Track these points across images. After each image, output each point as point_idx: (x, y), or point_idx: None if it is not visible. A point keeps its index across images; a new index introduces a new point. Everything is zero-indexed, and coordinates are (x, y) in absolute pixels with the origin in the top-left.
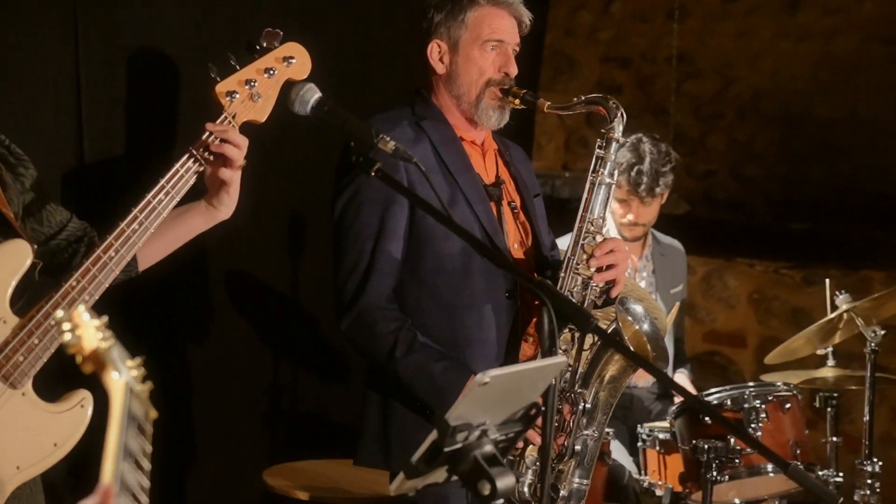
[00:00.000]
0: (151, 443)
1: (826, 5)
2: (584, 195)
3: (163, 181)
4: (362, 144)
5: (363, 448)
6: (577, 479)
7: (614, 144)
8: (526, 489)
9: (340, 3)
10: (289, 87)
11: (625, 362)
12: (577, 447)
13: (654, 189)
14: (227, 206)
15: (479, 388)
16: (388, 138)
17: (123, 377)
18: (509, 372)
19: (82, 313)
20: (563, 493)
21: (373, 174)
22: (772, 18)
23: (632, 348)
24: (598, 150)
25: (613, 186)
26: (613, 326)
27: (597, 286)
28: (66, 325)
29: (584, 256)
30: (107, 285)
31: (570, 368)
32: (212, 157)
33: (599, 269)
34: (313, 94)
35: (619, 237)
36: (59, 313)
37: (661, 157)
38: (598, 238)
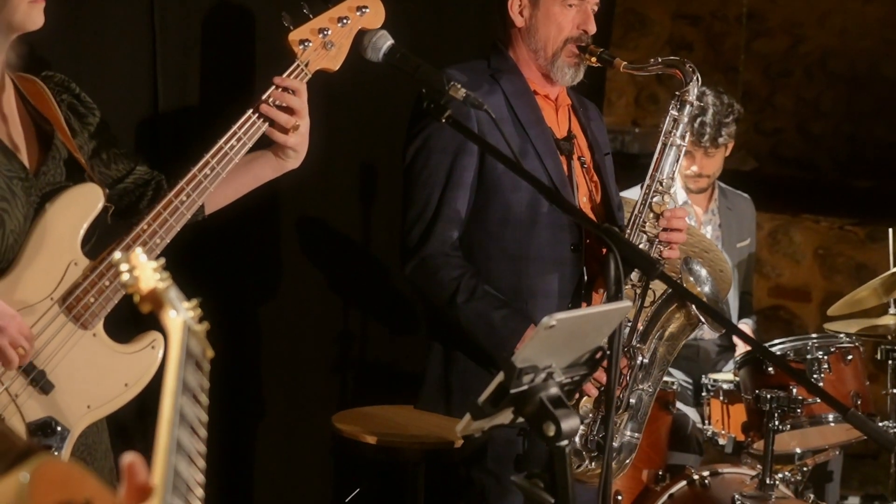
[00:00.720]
0: (210, 380)
1: None
2: (655, 155)
3: (235, 127)
4: (434, 91)
5: (425, 393)
6: (629, 433)
7: (688, 107)
8: (577, 439)
9: None
10: (361, 35)
11: (685, 321)
12: (632, 401)
13: (718, 140)
14: (294, 157)
15: (545, 330)
16: (459, 85)
17: (181, 316)
18: (575, 315)
19: (139, 255)
20: (615, 444)
21: (443, 120)
22: None
23: (693, 307)
24: (672, 112)
25: (684, 147)
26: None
27: (661, 245)
28: (123, 266)
29: (651, 215)
30: (178, 229)
31: (629, 323)
32: (280, 107)
33: (665, 229)
34: (386, 41)
35: (685, 191)
36: (117, 255)
37: (724, 108)
38: (667, 198)
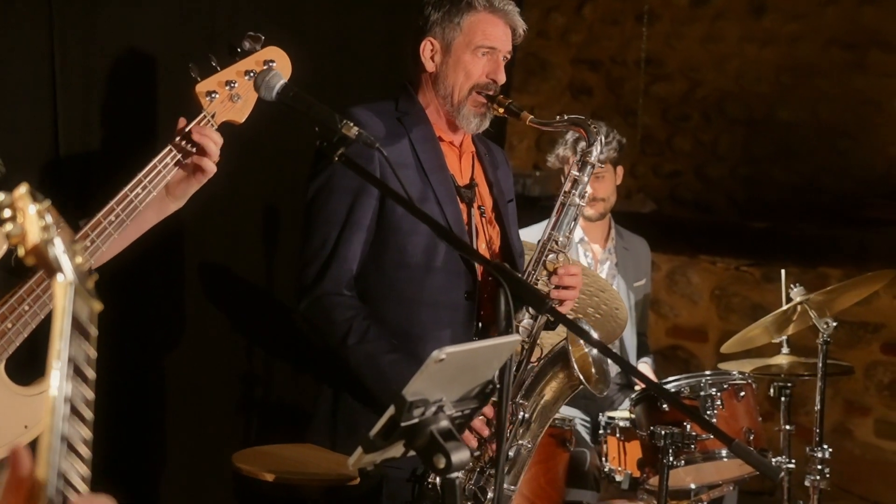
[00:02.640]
0: (110, 418)
1: (790, 11)
2: (553, 214)
3: (140, 175)
4: (326, 129)
5: (313, 427)
6: (505, 484)
7: (589, 168)
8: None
9: (319, 5)
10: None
11: (567, 381)
12: (511, 454)
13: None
14: (185, 198)
15: (435, 364)
16: (351, 124)
17: (67, 278)
18: (465, 349)
19: (25, 198)
20: (490, 495)
21: (336, 159)
22: (738, 23)
23: (576, 368)
24: (573, 172)
25: (583, 208)
26: (562, 345)
27: (551, 302)
28: (6, 213)
29: (545, 272)
30: None
31: (514, 378)
32: (193, 149)
33: (557, 287)
34: (279, 80)
35: (582, 231)
36: (0, 196)
37: (605, 131)
38: (561, 257)
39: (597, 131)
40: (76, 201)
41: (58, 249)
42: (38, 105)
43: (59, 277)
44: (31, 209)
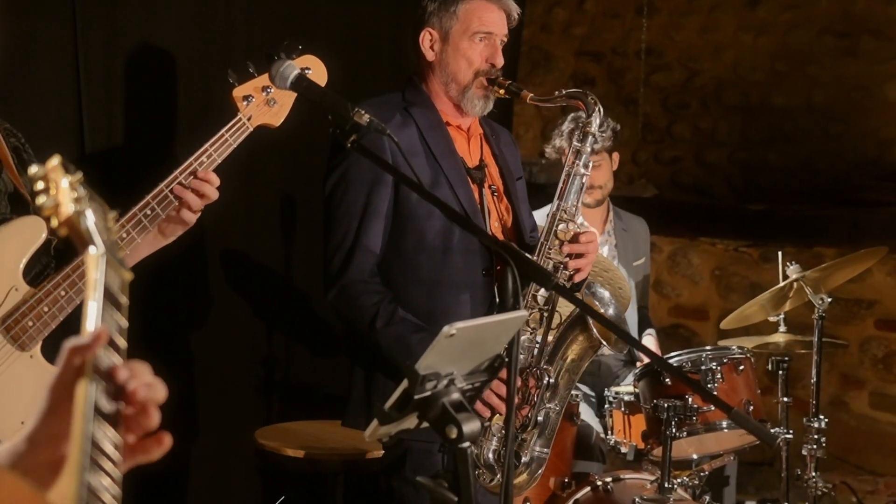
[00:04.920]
0: (127, 317)
1: (784, 1)
2: (560, 184)
3: (148, 197)
4: (339, 118)
5: (350, 412)
6: (538, 448)
7: (590, 138)
8: (490, 455)
9: (331, 4)
10: (271, 65)
11: (588, 344)
12: (540, 418)
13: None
14: (175, 236)
15: (445, 339)
16: (363, 111)
17: (99, 250)
18: (474, 324)
19: (58, 170)
20: (524, 459)
21: (349, 146)
22: (734, 14)
23: (595, 330)
24: (574, 143)
25: (587, 177)
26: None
27: (566, 271)
28: (39, 185)
29: (557, 242)
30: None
31: (537, 345)
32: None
33: (570, 256)
34: (292, 71)
35: (579, 220)
36: (34, 168)
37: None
38: (571, 226)
39: (594, 102)
40: (101, 194)
41: (89, 221)
42: (63, 104)
43: (91, 250)
44: (64, 181)
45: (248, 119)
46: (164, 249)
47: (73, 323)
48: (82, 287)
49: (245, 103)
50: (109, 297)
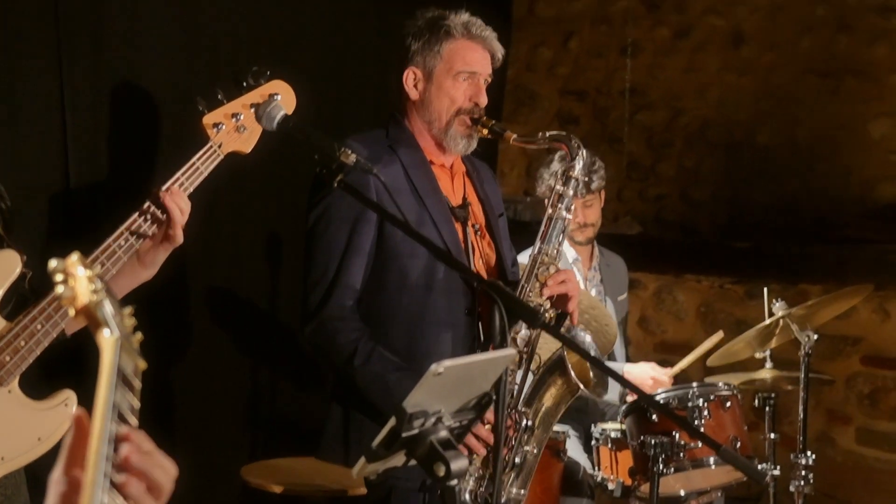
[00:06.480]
0: (140, 399)
1: (767, 41)
2: (542, 227)
3: (122, 228)
4: (325, 157)
5: (324, 444)
6: (515, 489)
7: (573, 182)
8: (467, 496)
9: (315, 39)
10: (258, 106)
11: (566, 388)
12: (518, 460)
13: (591, 186)
14: (155, 266)
15: (433, 377)
16: (349, 151)
17: (114, 334)
18: (462, 363)
19: (76, 264)
20: (502, 500)
21: (335, 185)
22: (717, 53)
23: (573, 374)
24: (557, 186)
25: (569, 220)
26: (559, 353)
27: (548, 312)
28: (58, 277)
29: (538, 285)
30: (61, 325)
31: (515, 386)
32: (162, 215)
33: (551, 298)
34: (279, 111)
35: (573, 256)
36: (53, 263)
37: (589, 159)
38: (552, 269)
39: (578, 146)
40: (86, 230)
41: (106, 311)
42: (48, 138)
43: (106, 333)
44: (81, 272)
45: (219, 146)
46: (150, 284)
47: (49, 357)
48: (59, 320)
49: (215, 130)
50: (123, 380)
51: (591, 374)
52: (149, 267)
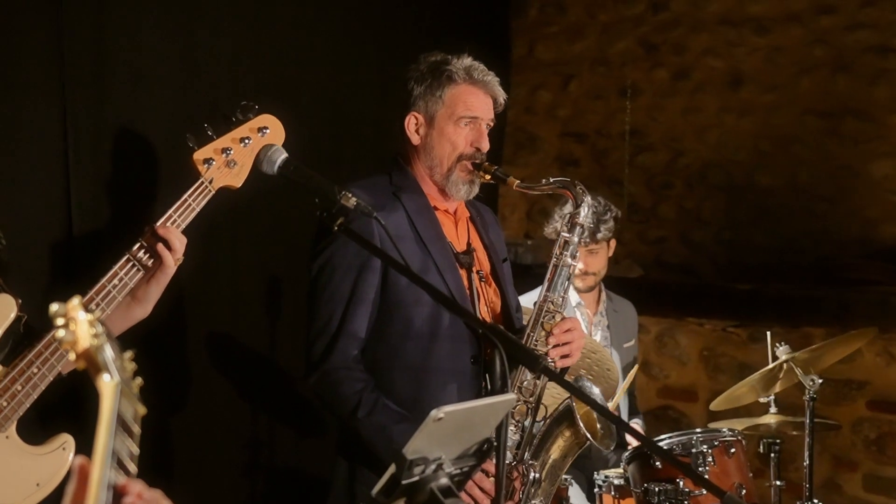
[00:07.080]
0: (139, 445)
1: (766, 82)
2: (547, 275)
3: (115, 267)
4: (326, 200)
5: (332, 498)
6: None
7: (578, 229)
8: None
9: (314, 79)
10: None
11: (574, 439)
12: None
13: (597, 235)
14: (150, 302)
15: (433, 423)
16: (350, 194)
17: (114, 379)
18: (462, 408)
19: (77, 308)
20: None
21: (336, 229)
22: (717, 95)
23: (581, 425)
24: (563, 234)
25: (575, 268)
26: (566, 403)
27: (552, 361)
28: (59, 321)
29: (543, 333)
30: (58, 368)
31: (522, 439)
32: (155, 254)
33: (556, 345)
34: (280, 155)
35: (576, 300)
36: (55, 307)
37: (602, 207)
38: (557, 317)
39: (583, 192)
40: (87, 273)
41: (107, 355)
42: (51, 184)
43: (106, 377)
44: (82, 316)
45: (210, 182)
46: (151, 328)
47: (46, 401)
48: (55, 363)
49: (206, 166)
50: (123, 425)
51: (599, 424)
52: (143, 303)
